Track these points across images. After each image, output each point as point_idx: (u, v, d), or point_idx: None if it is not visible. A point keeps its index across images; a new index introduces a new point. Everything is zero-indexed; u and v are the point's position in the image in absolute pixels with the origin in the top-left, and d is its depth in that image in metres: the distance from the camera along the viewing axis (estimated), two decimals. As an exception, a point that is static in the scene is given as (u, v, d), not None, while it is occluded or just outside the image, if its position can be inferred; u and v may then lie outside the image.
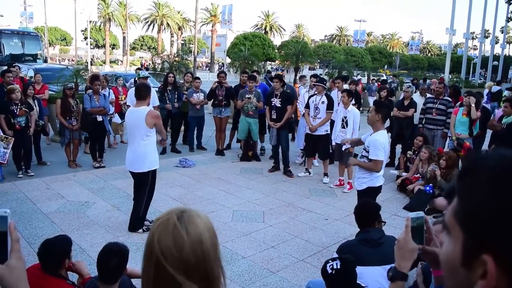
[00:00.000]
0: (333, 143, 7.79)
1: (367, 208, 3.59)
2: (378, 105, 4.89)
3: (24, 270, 1.17)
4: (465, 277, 0.67)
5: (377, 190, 4.96)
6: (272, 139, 8.47)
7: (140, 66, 21.69)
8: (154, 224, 1.18)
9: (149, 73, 15.96)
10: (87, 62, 38.77)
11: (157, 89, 10.08)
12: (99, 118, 8.23)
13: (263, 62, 34.40)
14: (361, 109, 16.07)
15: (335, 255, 3.23)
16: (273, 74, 12.34)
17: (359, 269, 3.15)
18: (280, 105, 8.25)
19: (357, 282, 2.91)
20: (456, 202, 0.69)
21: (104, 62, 55.24)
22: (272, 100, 8.35)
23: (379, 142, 4.68)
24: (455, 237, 0.69)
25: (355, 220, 3.68)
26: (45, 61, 25.33)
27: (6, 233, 1.11)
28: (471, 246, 0.66)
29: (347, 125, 7.38)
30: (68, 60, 49.96)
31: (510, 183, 0.62)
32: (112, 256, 2.67)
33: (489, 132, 8.29)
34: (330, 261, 2.86)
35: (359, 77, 20.98)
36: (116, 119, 10.02)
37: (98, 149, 8.40)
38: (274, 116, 8.32)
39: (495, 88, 17.58)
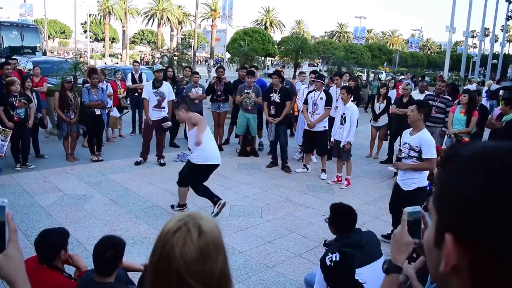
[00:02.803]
0: (332, 140, 7.79)
1: (347, 211, 3.46)
2: (420, 104, 4.93)
3: (21, 259, 1.17)
4: (437, 257, 0.70)
5: (424, 189, 4.91)
6: (270, 134, 8.47)
7: (138, 60, 21.60)
8: (167, 235, 1.10)
9: (147, 67, 15.95)
10: (80, 54, 38.64)
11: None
12: (97, 112, 8.23)
13: (262, 58, 34.34)
14: (365, 106, 16.15)
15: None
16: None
17: None
18: (279, 101, 8.24)
19: (355, 278, 2.92)
20: (436, 187, 0.73)
21: (104, 56, 55.08)
22: (271, 95, 8.34)
23: (431, 140, 4.76)
24: (433, 221, 0.72)
25: (332, 225, 3.46)
26: (44, 53, 25.25)
27: (4, 223, 1.12)
28: (440, 227, 0.69)
29: (345, 122, 7.39)
30: (74, 54, 49.86)
31: (476, 168, 0.64)
32: (108, 248, 2.67)
33: (487, 131, 8.31)
34: (329, 253, 2.86)
35: (387, 76, 20.84)
36: (115, 113, 10.01)
37: (96, 143, 8.39)
38: (273, 112, 8.32)
39: (494, 87, 17.60)
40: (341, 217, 3.43)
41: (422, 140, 4.78)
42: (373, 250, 3.29)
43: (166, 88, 8.40)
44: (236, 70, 10.15)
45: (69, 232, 3.08)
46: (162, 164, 8.23)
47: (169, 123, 8.24)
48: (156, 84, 8.33)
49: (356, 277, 2.94)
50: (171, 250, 1.07)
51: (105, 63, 37.21)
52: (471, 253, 0.63)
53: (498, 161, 0.64)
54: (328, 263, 2.80)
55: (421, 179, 4.89)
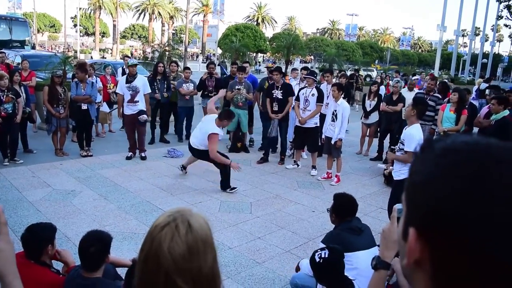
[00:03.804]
0: (323, 136, 7.80)
1: (350, 199, 3.62)
2: (416, 101, 5.12)
3: (12, 253, 1.16)
4: (403, 249, 0.69)
5: None
6: (273, 130, 8.44)
7: (128, 55, 21.43)
8: (155, 230, 1.09)
9: (139, 61, 15.79)
10: (67, 47, 38.28)
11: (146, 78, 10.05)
12: (84, 107, 8.12)
13: (254, 54, 34.30)
14: (356, 104, 16.19)
15: (321, 245, 3.26)
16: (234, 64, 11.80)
17: (352, 256, 3.20)
18: (281, 97, 8.24)
19: (345, 274, 2.94)
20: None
21: (93, 50, 54.62)
22: (273, 92, 8.33)
23: (414, 135, 4.89)
24: (403, 213, 0.71)
25: (334, 214, 3.62)
26: (33, 47, 24.96)
27: None
28: (407, 220, 0.68)
29: (337, 119, 7.41)
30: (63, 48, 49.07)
31: (442, 162, 0.63)
32: (93, 242, 2.66)
33: (475, 129, 8.37)
34: (318, 250, 2.90)
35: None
36: (105, 108, 9.93)
37: (85, 138, 8.32)
38: (275, 108, 8.31)
39: (484, 85, 17.72)
40: (345, 204, 3.59)
41: (406, 134, 4.99)
42: (371, 237, 3.47)
43: (140, 82, 8.25)
44: (218, 65, 9.99)
45: (56, 227, 3.05)
46: (143, 158, 8.19)
47: (145, 116, 8.14)
48: (129, 79, 8.20)
49: (346, 273, 2.96)
50: (159, 245, 1.06)
51: (92, 57, 36.83)
52: (433, 249, 0.62)
53: (466, 155, 0.62)
54: (317, 259, 2.82)
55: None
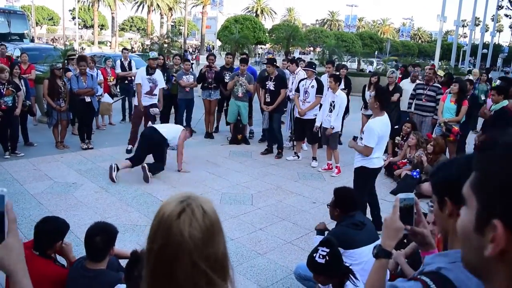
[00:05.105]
0: (317, 125, 7.71)
1: (353, 193, 3.60)
2: (378, 92, 5.00)
3: (22, 250, 1.14)
4: (477, 242, 0.73)
5: (370, 171, 5.01)
6: (264, 122, 8.45)
7: (127, 48, 21.28)
8: (169, 218, 1.06)
9: (137, 54, 15.75)
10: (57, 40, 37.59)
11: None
12: (87, 99, 8.13)
13: (254, 46, 34.14)
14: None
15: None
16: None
17: (356, 252, 3.20)
18: (273, 88, 8.24)
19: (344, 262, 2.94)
20: (473, 174, 0.76)
21: (93, 43, 54.35)
22: (266, 83, 8.34)
23: (373, 129, 4.78)
24: (470, 206, 0.75)
25: (338, 209, 3.56)
26: (32, 40, 24.86)
27: (3, 213, 1.08)
28: (483, 213, 0.72)
29: (334, 109, 7.40)
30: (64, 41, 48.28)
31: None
32: (99, 233, 2.68)
33: (481, 120, 8.38)
34: (314, 254, 2.79)
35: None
36: (106, 98, 9.89)
37: (86, 131, 8.32)
38: (268, 100, 8.32)
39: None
40: (349, 198, 3.56)
41: (367, 127, 4.90)
42: (372, 231, 3.46)
43: (159, 76, 8.39)
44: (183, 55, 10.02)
45: (69, 224, 3.08)
46: None
47: (156, 110, 8.16)
48: (150, 71, 8.28)
49: (345, 261, 2.96)
50: (179, 233, 1.04)
51: (74, 49, 36.40)
52: None
53: None
54: (322, 260, 2.72)
55: (364, 159, 4.97)
